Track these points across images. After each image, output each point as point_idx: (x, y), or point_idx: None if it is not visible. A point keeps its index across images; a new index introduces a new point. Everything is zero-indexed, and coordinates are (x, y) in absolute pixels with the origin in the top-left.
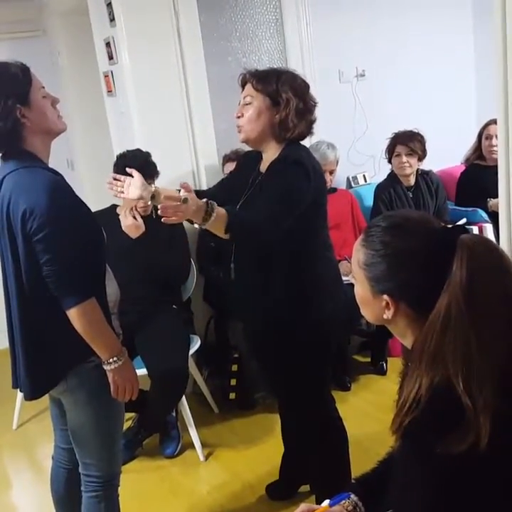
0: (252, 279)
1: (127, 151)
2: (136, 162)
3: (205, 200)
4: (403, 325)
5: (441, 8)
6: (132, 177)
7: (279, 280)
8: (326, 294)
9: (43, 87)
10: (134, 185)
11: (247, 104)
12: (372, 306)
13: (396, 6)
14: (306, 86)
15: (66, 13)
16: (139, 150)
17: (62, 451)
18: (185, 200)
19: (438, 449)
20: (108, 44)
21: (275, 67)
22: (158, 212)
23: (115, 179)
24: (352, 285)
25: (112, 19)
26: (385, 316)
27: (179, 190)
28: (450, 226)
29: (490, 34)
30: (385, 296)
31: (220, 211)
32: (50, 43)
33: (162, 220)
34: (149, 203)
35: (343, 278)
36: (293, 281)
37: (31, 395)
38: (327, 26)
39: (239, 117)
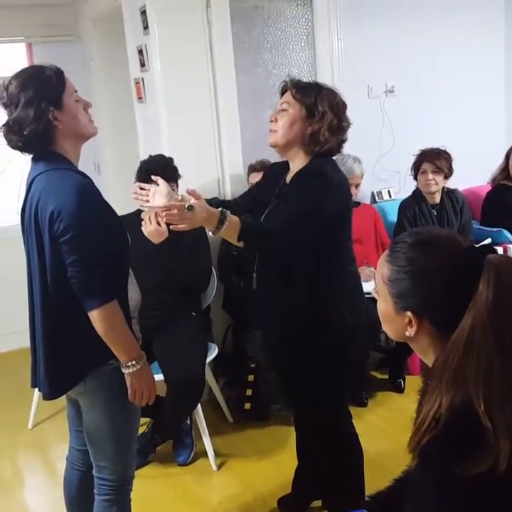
0: (274, 290)
1: (150, 156)
2: (158, 166)
3: (220, 208)
4: (425, 343)
5: (472, 26)
6: (157, 185)
7: (301, 292)
8: (347, 308)
9: (76, 91)
10: (159, 193)
11: (283, 110)
12: (394, 323)
13: (426, 23)
14: (344, 105)
15: (100, 19)
16: (161, 155)
17: (77, 453)
18: (190, 208)
19: (456, 470)
20: (140, 51)
21: (318, 82)
22: (164, 219)
23: (141, 188)
24: (373, 299)
25: (146, 27)
26: (407, 334)
27: (213, 200)
28: (477, 245)
29: None
30: (408, 313)
31: (233, 219)
32: (83, 48)
33: (171, 227)
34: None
35: (364, 284)
36: (315, 293)
37: (50, 395)
38: (358, 41)
39: (272, 121)
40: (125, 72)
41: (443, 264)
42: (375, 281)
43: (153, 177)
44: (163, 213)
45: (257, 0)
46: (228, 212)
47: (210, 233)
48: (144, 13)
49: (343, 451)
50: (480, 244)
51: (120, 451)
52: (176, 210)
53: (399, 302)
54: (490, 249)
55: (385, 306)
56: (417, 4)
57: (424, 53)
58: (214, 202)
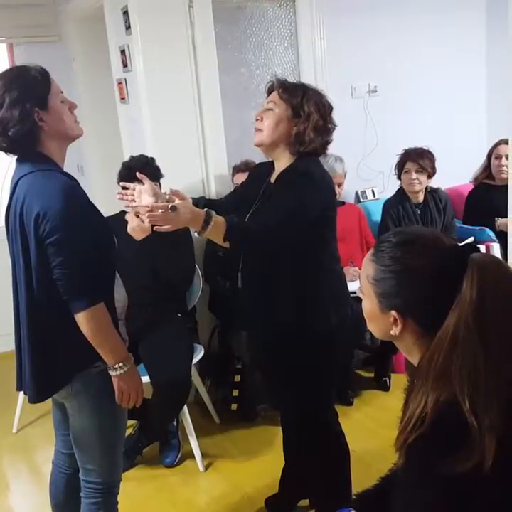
0: (259, 289)
1: (131, 156)
2: (139, 165)
3: (205, 209)
4: (410, 342)
5: (454, 25)
6: (143, 184)
7: (286, 291)
8: (332, 307)
9: (62, 92)
10: (145, 192)
11: (268, 110)
12: (379, 322)
13: (409, 23)
14: (330, 107)
15: (82, 19)
16: (142, 155)
17: (63, 456)
18: (173, 208)
19: (442, 468)
20: (123, 52)
21: (305, 82)
22: (146, 221)
23: (124, 188)
24: (358, 298)
25: (128, 27)
26: (392, 332)
27: (198, 200)
28: (461, 244)
29: (502, 54)
30: (393, 312)
31: (219, 220)
32: (65, 48)
33: (154, 228)
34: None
35: (349, 284)
36: (300, 293)
37: (35, 399)
38: (341, 42)
39: (258, 120)
40: (107, 72)
41: (427, 263)
42: (359, 281)
43: (138, 175)
44: (146, 214)
45: (239, 0)
46: (214, 212)
47: (196, 234)
48: (126, 13)
49: (329, 450)
50: (463, 242)
51: (107, 454)
52: (159, 211)
53: (384, 301)
54: (473, 248)
55: (370, 306)
56: (399, 4)
57: (406, 53)
58: (201, 201)
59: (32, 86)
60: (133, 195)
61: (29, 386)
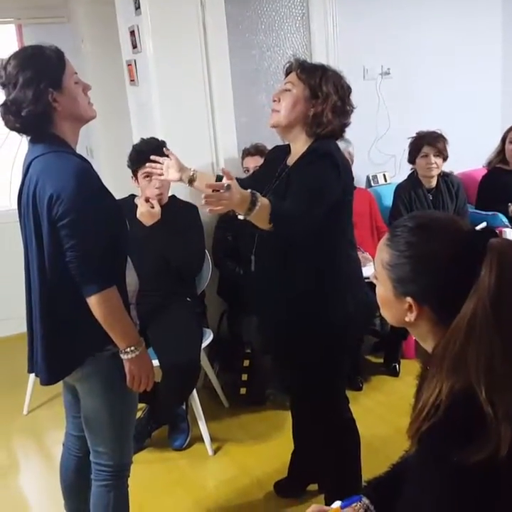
0: (274, 272)
1: (141, 139)
2: (150, 148)
3: (249, 190)
4: (425, 329)
5: (469, 9)
6: (170, 159)
7: (303, 274)
8: (349, 293)
9: (76, 73)
10: (172, 167)
11: (286, 90)
12: (394, 308)
13: (423, 5)
14: (349, 89)
15: (91, 0)
16: (153, 138)
17: (74, 439)
18: (228, 187)
19: (455, 457)
20: (132, 32)
21: (324, 64)
22: (202, 201)
23: (154, 161)
24: (370, 284)
25: (138, 7)
26: (407, 319)
27: (219, 178)
28: (479, 229)
29: None
30: (408, 299)
31: (264, 201)
32: (74, 29)
33: (207, 210)
34: (187, 185)
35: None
36: (316, 277)
37: (47, 381)
38: (353, 23)
39: (275, 101)
40: (117, 54)
41: (444, 248)
42: (374, 266)
43: (165, 150)
44: (203, 196)
45: None
46: (258, 193)
47: (240, 217)
48: None
49: (340, 435)
50: (478, 227)
51: (118, 437)
52: (212, 191)
53: (399, 287)
54: (492, 233)
55: (384, 291)
56: None
57: (420, 35)
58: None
59: (46, 66)
60: (162, 169)
61: (41, 368)
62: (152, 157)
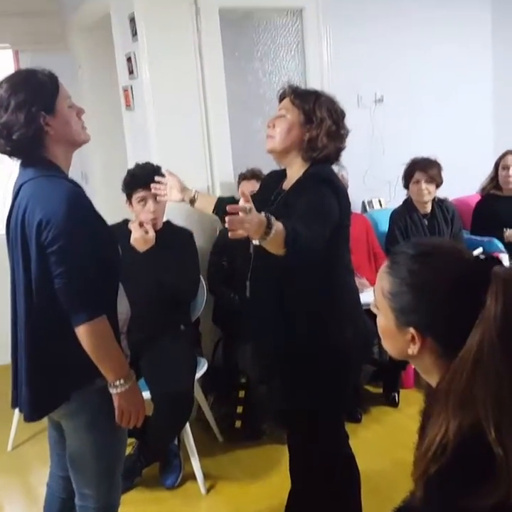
0: (270, 300)
1: (136, 164)
2: (145, 172)
3: (263, 213)
4: (429, 362)
5: (461, 37)
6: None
7: (299, 302)
8: (346, 319)
9: (70, 97)
10: (174, 187)
11: (281, 116)
12: (395, 339)
13: (418, 33)
14: (343, 114)
15: (88, 27)
16: (147, 163)
17: (59, 479)
18: (250, 210)
19: (464, 503)
20: (129, 59)
21: (317, 89)
22: (225, 224)
23: (156, 182)
24: (367, 311)
25: (135, 34)
26: (409, 351)
27: (222, 200)
28: (483, 257)
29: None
30: (411, 329)
31: (279, 225)
32: (71, 56)
33: (229, 235)
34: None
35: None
36: (313, 305)
37: (30, 417)
38: (347, 50)
39: (269, 127)
40: (113, 80)
41: (447, 276)
42: (374, 294)
43: (166, 171)
44: (226, 218)
45: (246, 8)
46: (272, 216)
47: (255, 242)
48: (132, 20)
49: (339, 474)
50: (474, 253)
51: (105, 478)
52: (239, 214)
53: (400, 317)
54: (494, 260)
55: (385, 322)
56: (406, 14)
57: (413, 63)
58: (229, 201)
59: (39, 89)
60: (165, 189)
61: (25, 403)
62: (156, 178)
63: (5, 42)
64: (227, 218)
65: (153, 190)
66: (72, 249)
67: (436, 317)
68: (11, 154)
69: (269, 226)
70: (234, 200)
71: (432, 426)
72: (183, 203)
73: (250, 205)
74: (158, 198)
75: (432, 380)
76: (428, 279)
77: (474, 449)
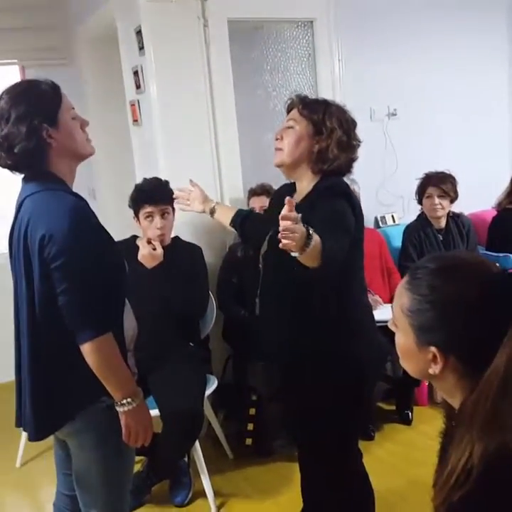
0: (281, 317)
1: (144, 179)
2: (152, 187)
3: (301, 224)
4: (452, 382)
5: (476, 50)
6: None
7: (312, 321)
8: (359, 337)
9: (73, 108)
10: (197, 199)
11: (289, 128)
12: (416, 359)
13: (430, 46)
14: (354, 123)
15: (94, 41)
16: (155, 178)
17: (65, 498)
18: (299, 219)
19: None
20: (136, 73)
21: (326, 98)
22: (278, 235)
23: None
24: (381, 328)
25: (141, 48)
26: (431, 371)
27: (250, 213)
28: (511, 272)
29: None
30: (432, 349)
31: (317, 238)
32: (77, 71)
33: (280, 245)
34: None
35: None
36: (326, 324)
37: (35, 437)
38: (360, 63)
39: (277, 139)
40: (120, 95)
41: (472, 292)
42: (392, 311)
43: (190, 182)
44: (281, 228)
45: (256, 21)
46: (311, 228)
47: (294, 255)
48: (139, 33)
49: (352, 494)
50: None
51: (112, 498)
52: (290, 223)
53: (421, 336)
54: None
55: (404, 340)
56: (420, 27)
57: (427, 76)
58: (247, 214)
59: (41, 101)
60: (188, 199)
61: (29, 422)
62: (179, 187)
63: (11, 58)
64: (281, 228)
65: (176, 200)
66: (76, 264)
67: (460, 335)
68: (12, 168)
69: (308, 237)
70: (252, 214)
71: (455, 449)
72: (196, 216)
73: (298, 214)
74: (181, 207)
75: (454, 400)
76: (451, 294)
77: (501, 475)
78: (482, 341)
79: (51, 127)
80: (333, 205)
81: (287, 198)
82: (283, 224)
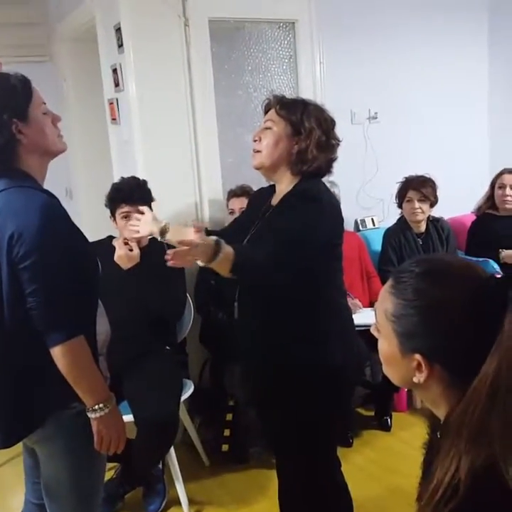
0: (259, 321)
1: (121, 178)
2: (129, 187)
3: (214, 238)
4: (437, 391)
5: (457, 54)
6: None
7: (289, 325)
8: (339, 343)
9: (44, 103)
10: (144, 221)
11: (266, 129)
12: (399, 367)
13: (411, 50)
14: (333, 122)
15: (74, 39)
16: (132, 177)
17: (33, 507)
18: (199, 246)
19: None
20: (115, 70)
21: (304, 98)
22: (166, 256)
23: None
24: (360, 332)
25: (121, 45)
26: (415, 380)
27: (207, 232)
28: (499, 276)
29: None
30: (417, 356)
31: (228, 250)
32: (56, 68)
33: (168, 264)
34: (159, 238)
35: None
36: (304, 327)
37: (3, 444)
38: (341, 66)
39: (255, 141)
40: (99, 93)
41: (459, 297)
42: (375, 316)
43: (139, 208)
44: (170, 252)
45: (237, 21)
46: (223, 242)
47: (198, 263)
48: (118, 30)
49: (331, 503)
50: (504, 274)
51: (82, 508)
52: (185, 248)
53: (405, 342)
54: None
55: (388, 347)
56: (401, 30)
57: (408, 80)
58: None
59: (10, 95)
60: (138, 225)
61: None
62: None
63: None
64: (170, 252)
65: (128, 229)
66: (46, 264)
67: (446, 343)
68: None
69: (215, 252)
70: (206, 231)
71: (441, 462)
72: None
73: (200, 239)
74: (130, 237)
75: (439, 410)
76: (436, 299)
77: (490, 490)
78: (470, 349)
79: (21, 122)
80: (296, 213)
81: (193, 220)
82: (174, 251)
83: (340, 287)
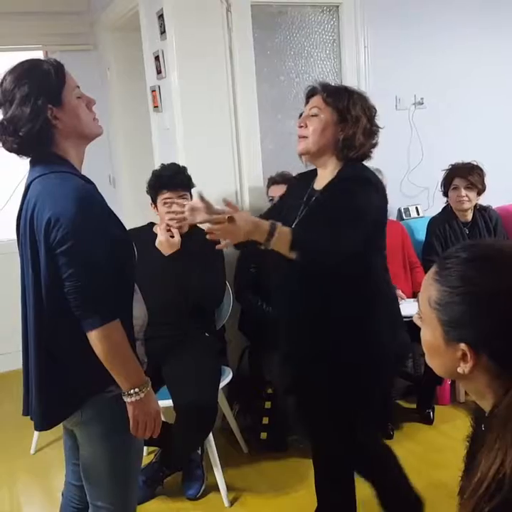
0: (299, 307)
1: (162, 164)
2: (170, 173)
3: (269, 220)
4: (483, 383)
5: (507, 37)
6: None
7: (330, 309)
8: (386, 332)
9: (78, 87)
10: (196, 208)
11: (313, 116)
12: (443, 357)
13: (459, 33)
14: (374, 109)
15: (117, 28)
16: (173, 163)
17: (74, 489)
18: (230, 219)
19: None
20: (157, 58)
21: (347, 86)
22: (207, 236)
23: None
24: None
25: (163, 32)
26: (459, 370)
27: None
28: None
29: None
30: (462, 345)
31: (284, 230)
32: (100, 57)
33: (216, 246)
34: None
35: None
36: (344, 311)
37: (41, 426)
38: (386, 50)
39: (301, 127)
40: (142, 82)
41: (508, 285)
42: (418, 305)
43: (194, 192)
44: (207, 228)
45: (280, 5)
46: (278, 223)
47: (262, 247)
48: (161, 17)
49: (380, 465)
50: None
51: (119, 490)
52: (217, 225)
53: (450, 331)
54: None
55: (432, 336)
56: (449, 15)
57: (455, 64)
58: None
59: (44, 80)
60: (183, 213)
61: (35, 412)
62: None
63: (35, 43)
64: (207, 229)
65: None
66: (83, 249)
67: (493, 332)
68: (18, 152)
69: (270, 232)
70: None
71: (485, 456)
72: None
73: (234, 213)
74: (174, 204)
75: (485, 403)
76: (484, 287)
77: None
78: None
79: (56, 107)
80: (349, 197)
81: (224, 198)
82: (208, 228)
83: (384, 263)
